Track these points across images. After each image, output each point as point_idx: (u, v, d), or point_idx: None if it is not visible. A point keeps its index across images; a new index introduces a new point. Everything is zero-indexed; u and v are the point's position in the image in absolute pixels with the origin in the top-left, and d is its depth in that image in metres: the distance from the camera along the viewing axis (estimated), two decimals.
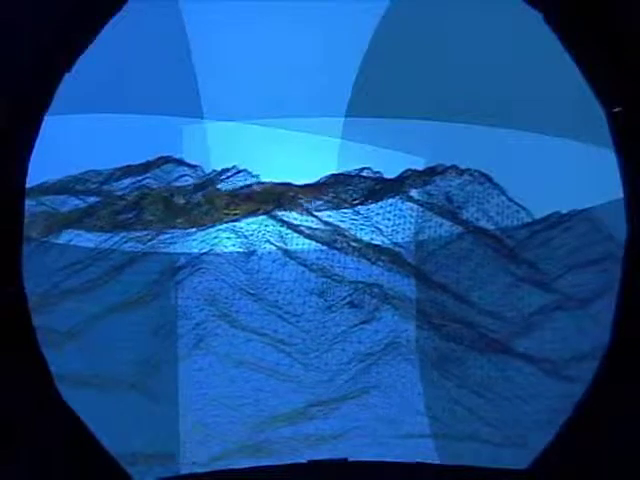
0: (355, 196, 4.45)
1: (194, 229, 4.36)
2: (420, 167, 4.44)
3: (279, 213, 4.40)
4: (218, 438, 4.23)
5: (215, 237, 4.37)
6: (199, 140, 4.44)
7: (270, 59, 4.36)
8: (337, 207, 4.42)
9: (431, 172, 4.43)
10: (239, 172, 4.40)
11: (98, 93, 4.26)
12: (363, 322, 4.36)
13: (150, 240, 4.34)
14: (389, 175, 4.43)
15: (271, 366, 4.33)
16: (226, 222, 4.38)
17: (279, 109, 4.39)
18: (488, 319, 4.36)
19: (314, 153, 4.45)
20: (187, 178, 4.40)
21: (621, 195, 4.04)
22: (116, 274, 4.26)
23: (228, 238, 4.39)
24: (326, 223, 4.39)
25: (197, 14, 4.33)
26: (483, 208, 4.40)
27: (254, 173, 4.40)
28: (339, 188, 4.44)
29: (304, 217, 4.42)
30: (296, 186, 4.41)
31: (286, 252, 4.39)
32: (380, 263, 4.39)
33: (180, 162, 4.39)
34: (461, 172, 4.41)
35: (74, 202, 4.33)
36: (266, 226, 4.41)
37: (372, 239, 4.40)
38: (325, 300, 4.38)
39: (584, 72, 3.95)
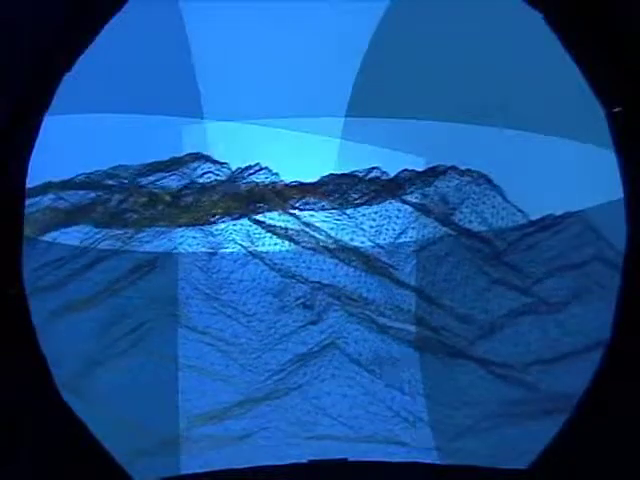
0: (354, 196, 4.45)
1: (170, 228, 4.38)
2: (420, 167, 4.44)
3: (255, 213, 4.41)
4: (139, 435, 4.20)
5: (182, 236, 4.38)
6: (199, 140, 4.44)
7: (270, 59, 4.36)
8: (326, 207, 4.43)
9: (430, 173, 4.43)
10: (261, 170, 4.41)
11: (98, 93, 4.26)
12: (311, 323, 4.38)
13: (129, 238, 4.35)
14: (388, 175, 4.44)
15: (205, 366, 4.32)
16: (204, 222, 4.40)
17: (279, 109, 4.39)
18: (456, 322, 4.38)
19: (314, 153, 4.45)
20: (210, 175, 4.41)
21: (618, 196, 4.04)
22: (85, 272, 4.27)
23: (194, 237, 4.40)
24: (305, 223, 4.40)
25: (197, 14, 4.33)
26: (478, 210, 4.41)
27: (274, 171, 4.42)
28: (335, 188, 4.44)
29: (282, 217, 4.42)
30: (290, 185, 4.42)
31: (250, 252, 4.40)
32: (349, 264, 4.41)
33: (208, 159, 4.40)
34: (461, 173, 4.41)
35: (90, 196, 4.36)
36: (234, 225, 4.42)
37: (352, 239, 4.41)
38: (280, 300, 4.39)
39: (584, 72, 3.95)
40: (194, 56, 4.36)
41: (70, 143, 4.28)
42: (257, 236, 4.41)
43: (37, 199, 4.26)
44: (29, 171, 3.88)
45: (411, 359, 4.37)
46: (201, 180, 4.41)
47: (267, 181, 4.42)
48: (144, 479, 4.03)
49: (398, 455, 4.27)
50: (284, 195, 4.42)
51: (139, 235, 4.36)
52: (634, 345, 3.85)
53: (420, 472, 4.20)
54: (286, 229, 4.40)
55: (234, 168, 4.42)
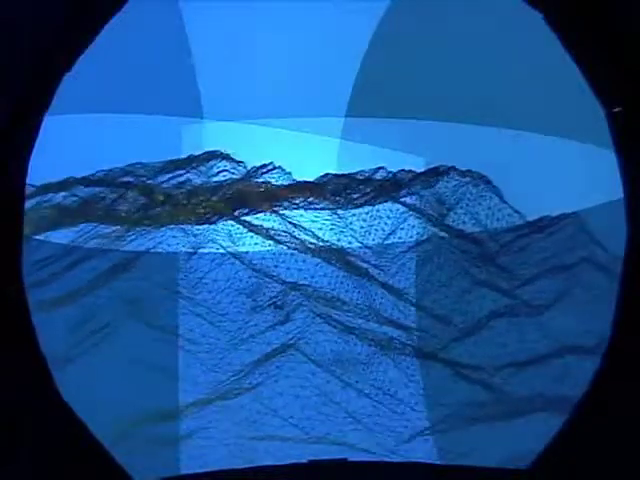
0: (354, 197, 4.45)
1: (155, 228, 4.38)
2: (420, 167, 4.44)
3: (242, 213, 4.42)
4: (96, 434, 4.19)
5: (162, 236, 4.39)
6: (199, 140, 4.44)
7: (270, 59, 4.36)
8: (317, 207, 4.44)
9: (429, 174, 4.43)
10: (274, 169, 4.42)
11: (98, 93, 4.26)
12: (280, 323, 4.38)
13: (118, 237, 4.36)
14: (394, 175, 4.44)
15: (168, 365, 4.31)
16: (190, 222, 4.42)
17: (279, 109, 4.39)
18: (433, 323, 4.38)
19: (314, 153, 4.45)
20: (226, 173, 4.41)
21: (618, 196, 4.04)
22: (67, 271, 4.27)
23: (174, 237, 4.40)
24: (292, 224, 4.41)
25: (197, 14, 4.33)
26: (473, 211, 4.41)
27: (287, 170, 4.42)
28: (333, 188, 4.45)
29: (268, 217, 4.43)
30: (283, 186, 4.43)
31: (230, 252, 4.41)
32: (330, 264, 4.41)
33: (224, 157, 4.41)
34: (460, 174, 4.41)
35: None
36: (216, 225, 4.42)
37: (339, 240, 4.42)
38: (253, 300, 4.39)
39: (584, 72, 3.95)
40: (194, 56, 4.36)
41: (70, 143, 4.28)
42: (239, 236, 4.41)
43: (70, 191, 4.30)
44: (29, 171, 3.88)
45: (375, 360, 4.37)
46: (216, 178, 4.42)
47: (280, 180, 4.43)
48: (144, 479, 4.03)
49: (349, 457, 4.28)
50: (276, 195, 4.42)
51: (127, 234, 4.36)
52: (634, 345, 3.85)
53: (420, 472, 4.20)
54: (269, 229, 4.40)
55: (249, 167, 4.42)
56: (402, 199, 4.43)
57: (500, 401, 4.29)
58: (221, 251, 4.40)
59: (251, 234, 4.40)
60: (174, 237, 4.38)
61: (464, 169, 4.39)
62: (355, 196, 4.44)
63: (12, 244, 3.78)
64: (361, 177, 4.44)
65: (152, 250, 4.37)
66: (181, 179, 4.41)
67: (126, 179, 4.38)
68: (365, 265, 4.40)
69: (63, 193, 4.33)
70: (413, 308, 4.37)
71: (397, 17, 4.31)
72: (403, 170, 4.42)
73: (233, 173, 4.41)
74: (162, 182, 4.40)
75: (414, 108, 4.34)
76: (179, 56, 4.35)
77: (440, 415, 4.31)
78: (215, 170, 4.41)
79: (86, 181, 4.33)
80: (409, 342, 4.36)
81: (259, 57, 4.35)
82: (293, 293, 4.38)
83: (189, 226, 4.38)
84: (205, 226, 4.39)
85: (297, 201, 4.42)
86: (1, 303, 3.73)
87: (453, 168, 4.40)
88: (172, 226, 4.37)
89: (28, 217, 4.13)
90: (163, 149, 4.39)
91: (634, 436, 3.76)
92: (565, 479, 3.94)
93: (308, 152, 4.44)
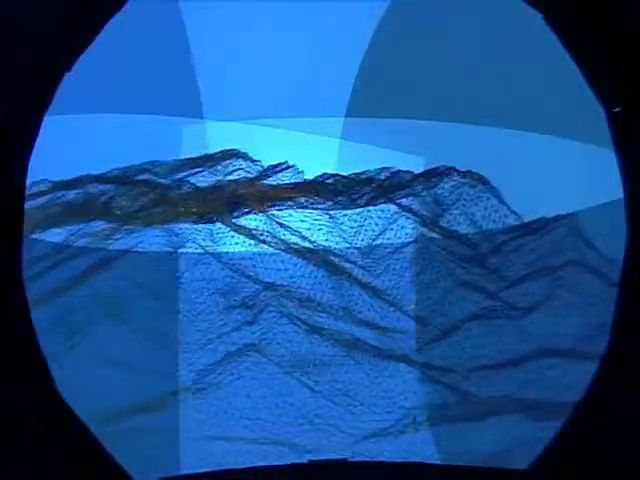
0: (354, 197, 4.45)
1: (139, 227, 4.39)
2: (420, 167, 4.44)
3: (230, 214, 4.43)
4: None
5: (144, 235, 4.39)
6: (199, 140, 4.44)
7: (270, 59, 4.36)
8: (308, 207, 4.44)
9: (428, 174, 4.43)
10: (288, 168, 4.42)
11: (98, 93, 4.26)
12: (248, 323, 4.39)
13: (107, 236, 4.36)
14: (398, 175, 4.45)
15: (135, 363, 4.28)
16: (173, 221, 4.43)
17: (279, 109, 4.39)
18: (412, 324, 4.39)
19: (314, 153, 4.45)
20: (241, 172, 4.42)
21: (618, 196, 4.04)
22: (51, 270, 4.28)
23: (156, 236, 4.40)
24: (279, 223, 4.41)
25: (197, 14, 4.33)
26: (469, 211, 4.41)
27: (300, 169, 4.43)
28: (330, 189, 4.45)
29: (254, 216, 4.43)
30: (281, 186, 4.44)
31: (209, 252, 4.41)
32: (311, 265, 4.42)
33: (241, 156, 4.41)
34: (459, 174, 4.41)
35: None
36: (196, 224, 4.43)
37: (327, 240, 4.42)
38: (227, 300, 4.40)
39: (584, 72, 3.95)
40: (194, 56, 4.36)
41: (70, 143, 4.28)
42: (220, 236, 4.41)
43: (84, 188, 4.31)
44: (29, 171, 3.88)
45: (339, 361, 4.37)
46: (230, 177, 4.42)
47: (292, 179, 4.43)
48: (144, 479, 4.03)
49: (286, 459, 4.28)
50: (274, 195, 4.43)
51: (115, 233, 4.37)
52: (633, 346, 3.85)
53: (420, 472, 4.20)
54: (252, 229, 4.41)
55: (266, 166, 4.43)
56: (398, 200, 4.43)
57: (464, 403, 4.30)
58: (199, 251, 4.41)
59: (233, 234, 4.41)
60: (156, 236, 4.38)
61: (464, 170, 4.39)
62: (354, 197, 4.44)
63: (12, 244, 3.78)
64: (362, 177, 4.44)
65: (134, 249, 4.37)
66: (193, 178, 4.41)
67: (143, 177, 4.39)
68: (350, 266, 4.40)
69: (76, 190, 4.35)
70: (392, 309, 4.37)
71: (397, 17, 4.31)
72: (403, 171, 4.42)
73: (248, 172, 4.42)
74: (176, 180, 4.40)
75: (414, 108, 4.34)
76: (179, 56, 4.35)
77: (397, 417, 4.32)
78: (230, 168, 4.41)
79: (103, 178, 4.34)
80: (377, 344, 4.36)
81: (259, 57, 4.35)
82: (265, 293, 4.38)
83: (172, 225, 4.38)
84: (187, 225, 4.40)
85: (290, 202, 4.42)
86: (1, 303, 3.73)
87: (453, 169, 4.40)
88: (157, 225, 4.38)
89: (36, 214, 4.14)
90: (163, 149, 4.39)
91: (634, 437, 3.77)
92: (565, 479, 3.94)
93: (308, 152, 4.44)
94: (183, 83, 4.37)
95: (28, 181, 3.92)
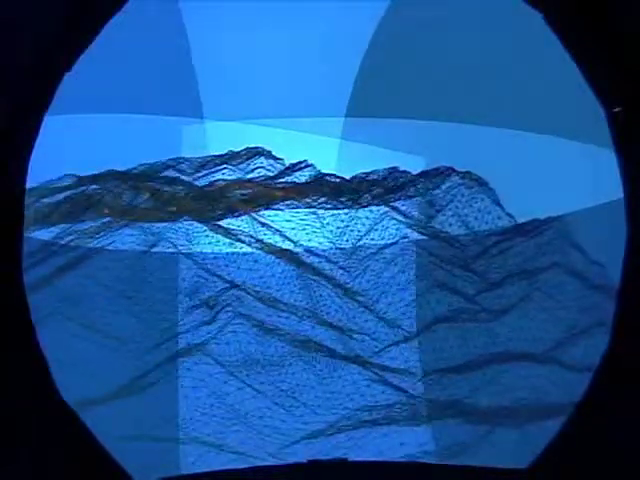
0: (348, 198, 4.46)
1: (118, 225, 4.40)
2: (420, 167, 4.44)
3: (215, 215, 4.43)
4: None
5: (120, 234, 4.39)
6: (199, 140, 4.44)
7: (270, 59, 4.36)
8: (298, 207, 4.44)
9: (426, 175, 4.43)
10: (307, 166, 4.43)
11: (98, 93, 4.26)
12: (206, 323, 4.39)
13: (91, 234, 4.37)
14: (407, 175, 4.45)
15: (88, 362, 4.26)
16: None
17: (279, 109, 4.39)
18: (380, 326, 4.38)
19: (314, 153, 4.45)
20: (261, 170, 4.42)
21: (618, 196, 4.04)
22: (31, 268, 4.26)
23: (131, 235, 4.40)
24: (261, 223, 4.41)
25: (197, 14, 4.33)
26: (462, 213, 4.40)
27: (317, 167, 4.43)
28: (330, 189, 4.46)
29: (235, 217, 4.43)
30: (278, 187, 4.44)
31: (182, 252, 4.41)
32: (283, 265, 4.42)
33: (264, 154, 4.41)
34: (456, 175, 4.41)
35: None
36: (174, 223, 4.43)
37: (310, 240, 4.42)
38: (191, 300, 4.40)
39: (584, 72, 3.95)
40: (194, 56, 4.36)
41: (70, 143, 4.28)
42: (195, 235, 4.41)
43: (103, 184, 4.32)
44: (29, 171, 3.88)
45: (288, 362, 4.37)
46: (250, 175, 4.42)
47: (310, 176, 4.44)
48: (144, 479, 4.03)
49: (219, 461, 4.26)
50: (257, 195, 4.43)
51: (100, 231, 4.37)
52: (633, 346, 3.85)
53: (420, 472, 4.20)
54: (229, 229, 4.41)
55: (288, 164, 4.43)
56: (393, 201, 4.43)
57: (409, 405, 4.29)
58: (171, 250, 4.40)
59: (209, 233, 4.41)
60: (131, 235, 4.38)
61: (463, 170, 4.39)
62: (353, 197, 4.45)
63: (12, 244, 3.78)
64: (361, 178, 4.44)
65: (107, 247, 4.36)
66: (214, 176, 4.42)
67: (167, 173, 4.40)
68: (330, 266, 4.40)
69: (94, 186, 4.36)
70: (361, 310, 4.38)
71: (397, 17, 4.31)
72: (400, 171, 4.42)
73: (269, 170, 4.42)
74: (198, 177, 4.41)
75: (414, 108, 4.34)
76: (179, 56, 4.35)
77: (338, 417, 4.31)
78: (252, 167, 4.41)
79: (127, 175, 4.34)
80: (333, 345, 4.36)
81: (259, 57, 4.35)
82: (230, 293, 4.38)
83: (148, 224, 4.38)
84: (164, 224, 4.39)
85: (281, 203, 4.43)
86: (1, 303, 3.73)
87: (452, 169, 4.40)
88: (139, 223, 4.38)
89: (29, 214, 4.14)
90: (163, 149, 4.40)
91: (634, 436, 3.76)
92: (565, 479, 3.94)
93: (308, 152, 4.44)
94: (183, 83, 4.37)
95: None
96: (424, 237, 4.40)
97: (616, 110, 3.90)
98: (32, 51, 3.65)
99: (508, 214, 4.36)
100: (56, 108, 3.89)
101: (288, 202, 4.42)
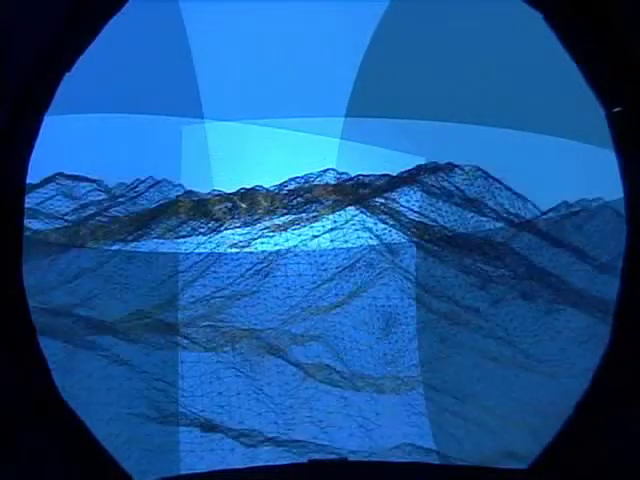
0: (352, 198, 4.47)
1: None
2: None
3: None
4: None
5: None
6: (199, 140, 4.44)
7: (270, 59, 4.36)
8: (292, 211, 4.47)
9: (424, 174, 4.44)
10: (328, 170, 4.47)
11: (98, 93, 4.26)
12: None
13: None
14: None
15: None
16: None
17: (279, 109, 4.39)
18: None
19: (314, 153, 4.45)
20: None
21: (618, 196, 4.04)
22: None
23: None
24: (246, 223, 4.44)
25: (197, 14, 4.33)
26: (457, 213, 4.44)
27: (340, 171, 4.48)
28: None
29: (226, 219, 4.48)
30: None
31: (160, 251, 4.47)
32: (248, 268, 4.48)
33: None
34: (455, 174, 4.42)
35: None
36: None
37: (276, 245, 4.45)
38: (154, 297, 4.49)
39: (584, 72, 3.95)
40: (194, 56, 4.36)
41: (70, 143, 4.28)
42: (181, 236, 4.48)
43: None
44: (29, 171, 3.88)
45: None
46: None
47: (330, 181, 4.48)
48: (144, 479, 4.03)
49: None
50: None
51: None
52: (633, 347, 3.85)
53: (420, 472, 4.20)
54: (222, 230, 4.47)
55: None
56: (388, 202, 4.44)
57: None
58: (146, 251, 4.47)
59: (195, 234, 4.48)
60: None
61: (462, 170, 4.40)
62: (352, 197, 4.45)
63: (12, 245, 3.78)
64: (360, 178, 4.44)
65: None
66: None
67: None
68: (294, 270, 4.46)
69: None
70: (298, 311, 4.42)
71: (397, 17, 4.31)
72: (402, 171, 4.44)
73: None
74: None
75: (414, 108, 4.34)
76: (179, 56, 4.35)
77: None
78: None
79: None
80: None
81: (259, 57, 4.36)
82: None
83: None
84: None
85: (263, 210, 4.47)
86: (1, 303, 3.73)
87: (450, 167, 4.41)
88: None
89: None
90: (163, 149, 4.40)
91: (634, 437, 3.77)
92: (565, 479, 3.94)
93: (308, 152, 4.45)
94: (183, 83, 4.37)
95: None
96: (412, 237, 4.45)
97: (616, 110, 3.90)
98: (32, 51, 3.65)
99: (507, 214, 4.37)
100: (56, 108, 3.89)
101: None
